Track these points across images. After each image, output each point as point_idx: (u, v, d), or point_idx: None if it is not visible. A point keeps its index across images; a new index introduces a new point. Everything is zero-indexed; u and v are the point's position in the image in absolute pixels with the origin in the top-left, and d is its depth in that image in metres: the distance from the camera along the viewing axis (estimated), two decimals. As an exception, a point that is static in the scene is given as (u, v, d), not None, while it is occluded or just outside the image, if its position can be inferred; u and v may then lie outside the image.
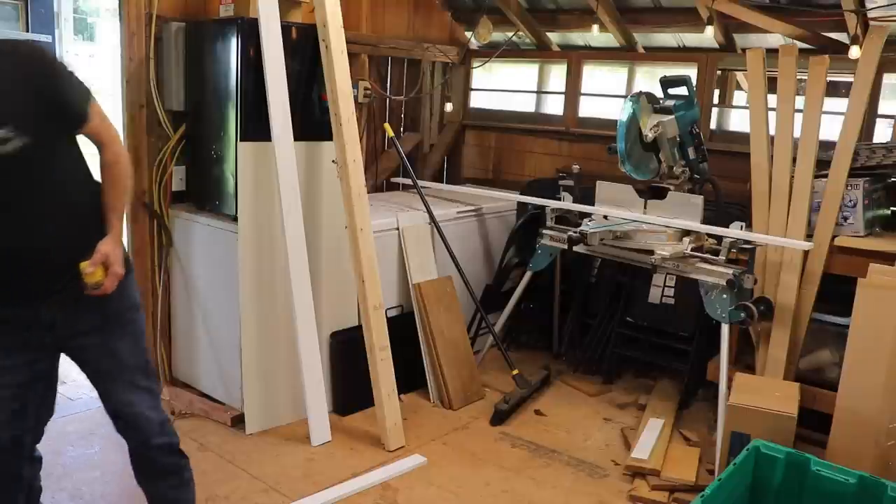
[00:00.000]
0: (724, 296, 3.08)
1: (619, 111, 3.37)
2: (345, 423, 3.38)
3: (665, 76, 3.56)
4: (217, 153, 3.27)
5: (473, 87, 5.12)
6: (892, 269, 2.81)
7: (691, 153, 3.42)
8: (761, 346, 3.32)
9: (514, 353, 4.06)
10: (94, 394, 3.66)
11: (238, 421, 3.26)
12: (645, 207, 3.47)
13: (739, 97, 4.59)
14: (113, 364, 2.04)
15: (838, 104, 3.40)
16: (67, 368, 3.88)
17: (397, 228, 3.68)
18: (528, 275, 3.89)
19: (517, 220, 4.31)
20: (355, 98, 3.65)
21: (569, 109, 4.66)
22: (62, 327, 1.96)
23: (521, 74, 5.23)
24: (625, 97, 4.60)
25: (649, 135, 3.29)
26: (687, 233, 3.33)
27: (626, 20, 4.30)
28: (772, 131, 3.32)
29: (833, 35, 3.64)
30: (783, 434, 2.65)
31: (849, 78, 3.36)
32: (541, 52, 4.85)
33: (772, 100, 3.33)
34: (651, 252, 3.22)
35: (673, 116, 3.32)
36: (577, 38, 4.74)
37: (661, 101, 3.46)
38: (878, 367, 2.67)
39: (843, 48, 3.46)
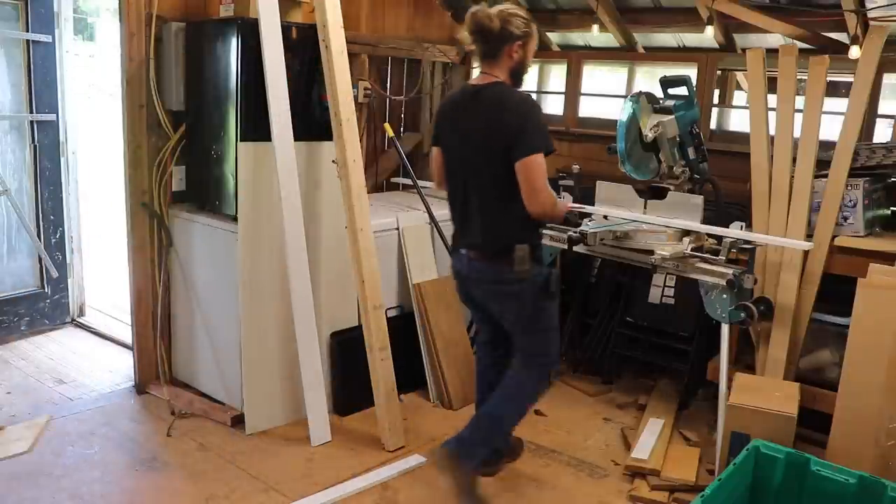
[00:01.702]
0: (724, 296, 3.08)
1: (619, 111, 3.37)
2: (345, 423, 3.38)
3: (665, 76, 3.55)
4: (217, 153, 3.27)
5: (473, 87, 5.11)
6: (892, 269, 2.81)
7: (691, 153, 3.42)
8: (761, 346, 3.32)
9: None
10: (94, 394, 3.69)
11: (238, 421, 3.26)
12: (645, 207, 3.46)
13: (739, 97, 4.59)
14: None
15: (838, 104, 3.40)
16: (67, 369, 3.90)
17: (397, 228, 3.68)
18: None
19: (517, 220, 4.30)
20: (355, 98, 3.65)
21: (569, 109, 4.66)
22: None
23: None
24: (625, 97, 4.59)
25: (649, 135, 3.29)
26: (687, 233, 3.33)
27: (626, 20, 4.30)
28: (772, 131, 3.32)
29: (833, 35, 3.64)
30: (783, 434, 2.65)
31: (849, 78, 3.36)
32: (541, 52, 4.81)
33: (772, 100, 3.33)
34: (651, 252, 3.22)
35: (673, 116, 3.32)
36: (577, 38, 4.74)
37: (661, 101, 3.45)
38: (878, 367, 2.67)
39: (843, 48, 3.46)
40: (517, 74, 2.56)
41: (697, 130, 3.44)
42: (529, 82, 5.09)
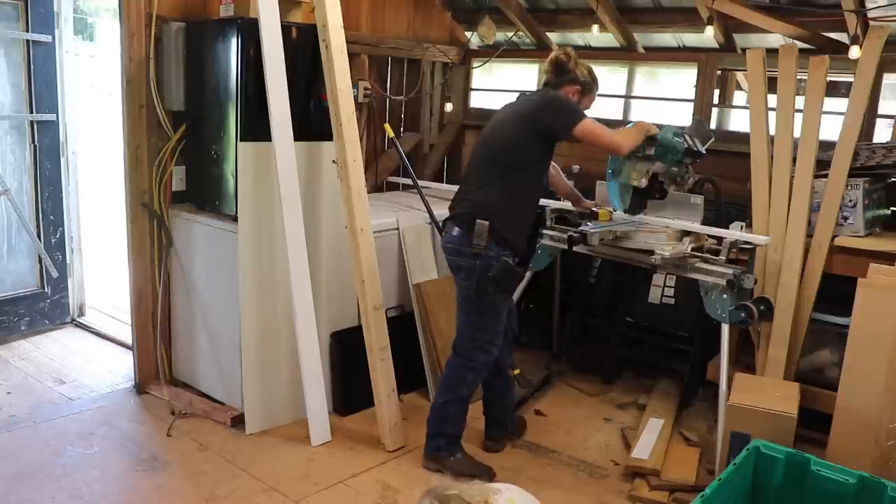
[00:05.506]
0: (724, 296, 3.08)
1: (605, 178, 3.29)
2: (345, 423, 3.38)
3: None
4: (217, 153, 3.27)
5: (473, 87, 5.12)
6: (892, 269, 2.81)
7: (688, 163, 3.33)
8: (761, 346, 3.32)
9: (514, 352, 4.05)
10: (94, 394, 3.69)
11: (238, 421, 3.26)
12: (645, 207, 3.46)
13: (739, 97, 4.59)
14: None
15: (838, 104, 3.39)
16: (67, 369, 3.90)
17: (397, 228, 3.68)
18: (528, 275, 3.89)
19: (517, 220, 4.29)
20: (355, 98, 3.65)
21: (569, 109, 4.64)
22: None
23: (521, 74, 5.22)
24: (625, 97, 4.61)
25: (644, 182, 3.21)
26: (687, 233, 3.33)
27: (626, 20, 4.29)
28: (772, 131, 3.32)
29: (833, 35, 3.64)
30: (783, 434, 2.65)
31: (849, 78, 3.36)
32: (541, 52, 4.83)
33: (772, 100, 3.33)
34: (651, 252, 3.22)
35: (658, 161, 3.22)
36: (577, 38, 4.73)
37: (641, 152, 3.29)
38: (878, 367, 2.67)
39: (843, 48, 3.45)
40: None
41: (686, 145, 3.25)
42: (529, 83, 5.12)
